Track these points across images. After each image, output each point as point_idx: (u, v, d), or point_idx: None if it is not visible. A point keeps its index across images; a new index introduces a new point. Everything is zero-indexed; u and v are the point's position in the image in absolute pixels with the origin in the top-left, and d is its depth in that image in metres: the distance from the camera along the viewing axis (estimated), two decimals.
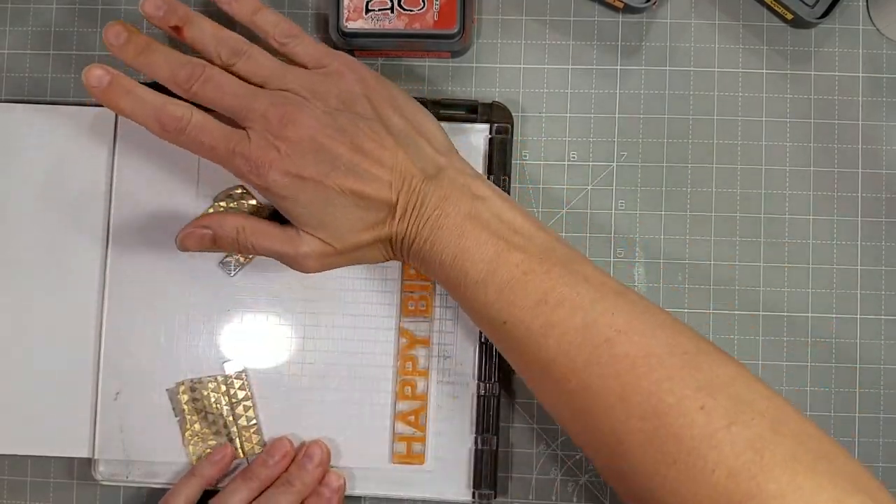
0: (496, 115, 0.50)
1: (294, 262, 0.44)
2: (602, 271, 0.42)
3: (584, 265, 0.42)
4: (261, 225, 0.44)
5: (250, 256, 0.49)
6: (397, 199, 0.42)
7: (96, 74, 0.42)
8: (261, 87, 0.43)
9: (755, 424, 0.36)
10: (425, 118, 0.45)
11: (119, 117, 0.50)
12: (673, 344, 0.39)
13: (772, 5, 0.50)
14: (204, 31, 0.43)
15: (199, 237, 0.44)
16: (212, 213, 0.46)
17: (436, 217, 0.42)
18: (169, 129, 0.42)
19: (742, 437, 0.36)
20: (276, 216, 0.45)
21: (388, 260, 0.46)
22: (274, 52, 0.44)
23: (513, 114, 0.50)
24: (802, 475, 0.35)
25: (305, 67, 0.44)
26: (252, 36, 0.44)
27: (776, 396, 0.39)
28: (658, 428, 0.37)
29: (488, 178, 0.49)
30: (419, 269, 0.45)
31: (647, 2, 0.49)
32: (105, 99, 0.42)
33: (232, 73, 0.43)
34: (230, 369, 0.49)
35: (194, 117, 0.42)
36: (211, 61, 0.43)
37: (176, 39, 0.44)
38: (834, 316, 0.50)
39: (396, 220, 0.43)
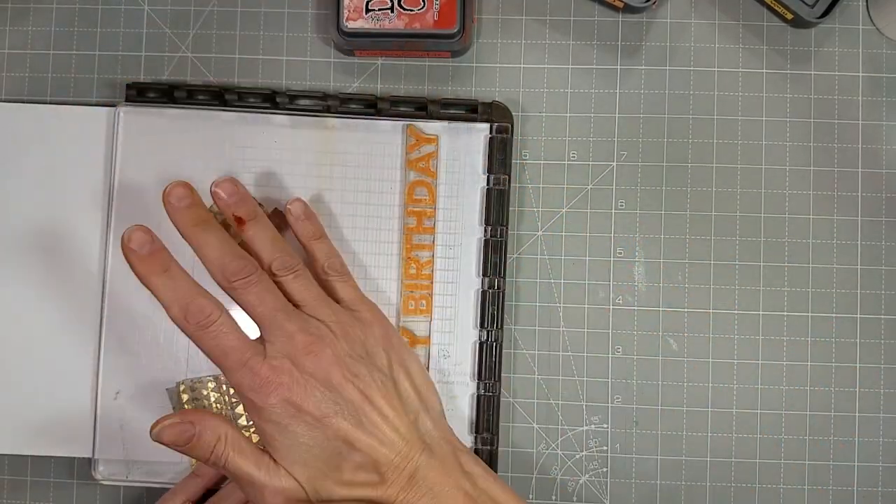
0: (496, 115, 0.50)
1: (258, 495, 0.41)
2: None
3: None
4: (242, 441, 0.41)
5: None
6: (390, 463, 0.41)
7: (139, 238, 0.41)
8: (296, 306, 0.43)
9: None
10: (430, 388, 0.46)
11: (120, 117, 0.50)
12: None
13: (772, 5, 0.50)
14: (265, 233, 0.44)
15: (179, 432, 0.41)
16: (196, 411, 0.42)
17: (431, 492, 0.41)
18: (191, 321, 0.41)
19: None
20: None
21: None
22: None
23: (513, 113, 0.50)
24: None
25: (341, 304, 0.45)
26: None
27: None
28: None
29: (488, 177, 0.50)
30: None
31: (646, 1, 0.49)
32: (140, 268, 0.41)
33: (275, 282, 0.43)
34: None
35: (222, 318, 0.41)
36: (260, 265, 0.43)
37: (232, 227, 0.44)
38: (834, 316, 0.50)
39: (387, 485, 0.41)
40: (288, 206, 0.46)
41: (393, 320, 0.49)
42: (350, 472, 0.41)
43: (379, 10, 0.49)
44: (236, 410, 0.49)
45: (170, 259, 0.41)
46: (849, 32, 0.51)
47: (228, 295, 0.42)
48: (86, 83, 0.51)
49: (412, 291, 0.49)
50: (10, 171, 0.50)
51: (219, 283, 0.42)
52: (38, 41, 0.52)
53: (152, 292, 0.41)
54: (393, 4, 0.49)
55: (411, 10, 0.48)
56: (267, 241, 0.44)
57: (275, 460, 0.41)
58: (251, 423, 0.48)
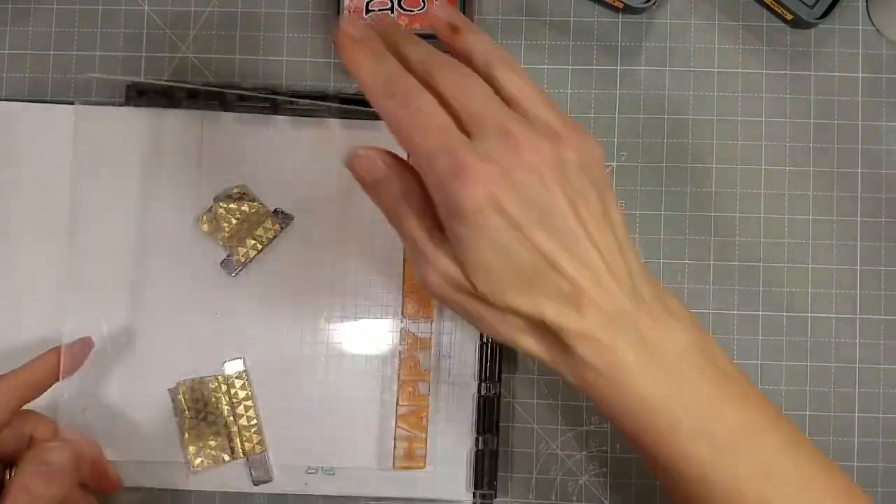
0: None
1: (420, 270, 0.37)
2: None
3: (799, 433, 0.38)
4: (427, 199, 0.36)
5: (251, 256, 0.49)
6: (592, 295, 0.35)
7: (358, 25, 0.36)
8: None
9: None
10: (631, 243, 0.38)
11: (121, 118, 0.50)
12: None
13: (771, 6, 0.50)
14: (479, 40, 0.37)
15: (368, 167, 0.37)
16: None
17: (645, 342, 0.35)
18: (396, 96, 0.35)
19: None
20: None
21: (534, 357, 0.37)
22: None
23: None
24: None
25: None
26: None
27: None
28: None
29: None
30: (591, 392, 0.36)
31: (646, 2, 0.49)
32: (349, 52, 0.36)
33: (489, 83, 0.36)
34: (231, 369, 0.49)
35: (426, 97, 0.35)
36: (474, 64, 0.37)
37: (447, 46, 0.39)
38: (834, 316, 0.50)
39: (583, 317, 0.35)
40: (433, 14, 0.38)
41: (394, 322, 0.49)
42: (544, 293, 0.35)
43: (379, 10, 0.49)
44: (237, 410, 0.49)
45: (381, 45, 0.36)
46: (848, 33, 0.51)
47: (428, 87, 0.35)
48: (86, 83, 0.51)
49: (414, 293, 0.49)
50: (10, 171, 0.50)
51: (419, 77, 0.35)
52: (38, 41, 0.52)
53: (358, 76, 0.36)
54: (393, 4, 0.49)
55: (411, 11, 0.49)
56: (480, 43, 0.37)
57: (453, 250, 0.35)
58: (253, 422, 0.49)
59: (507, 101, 0.36)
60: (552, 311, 0.35)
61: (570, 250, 0.35)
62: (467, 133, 0.35)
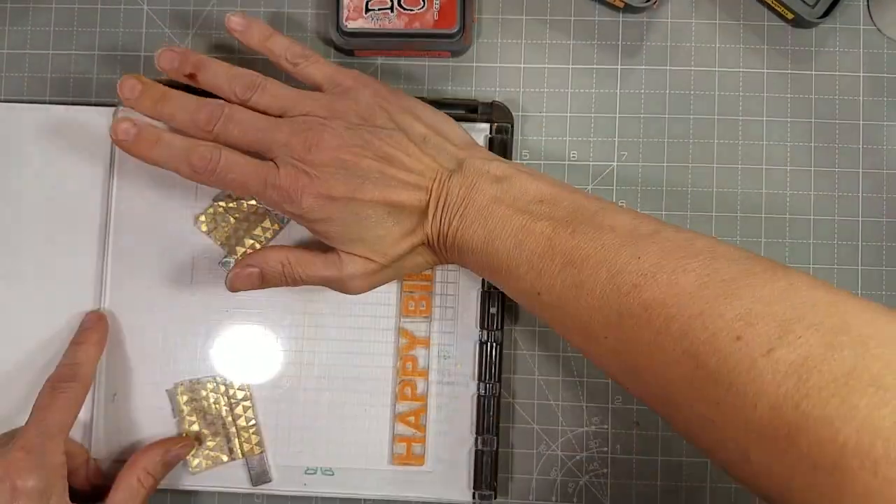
0: (496, 115, 0.50)
1: (342, 286, 0.44)
2: (635, 216, 0.40)
3: (614, 215, 0.40)
4: (304, 255, 0.44)
5: None
6: (428, 201, 0.43)
7: (123, 128, 0.43)
8: (280, 117, 0.44)
9: (802, 343, 0.32)
10: (443, 119, 0.46)
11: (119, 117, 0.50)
12: (707, 273, 0.36)
13: (772, 5, 0.50)
14: (217, 72, 0.44)
15: (247, 277, 0.44)
16: (255, 250, 0.47)
17: (462, 206, 0.42)
18: (200, 171, 0.43)
19: (785, 362, 0.32)
20: (316, 245, 0.45)
21: (432, 265, 0.46)
22: (289, 80, 0.45)
23: (513, 113, 0.50)
24: (859, 393, 0.31)
25: (321, 89, 0.45)
26: (268, 71, 0.45)
27: (840, 299, 0.34)
28: (695, 370, 0.35)
29: None
30: (462, 264, 0.45)
31: (647, 1, 0.49)
32: (134, 151, 0.43)
33: (250, 107, 0.44)
34: (229, 369, 0.49)
35: (223, 156, 0.43)
36: (228, 100, 0.44)
37: (194, 86, 0.45)
38: None
39: (429, 220, 0.43)
40: (228, 21, 0.46)
41: (393, 321, 0.49)
42: (399, 227, 0.43)
43: (379, 9, 0.49)
44: (235, 411, 0.49)
45: (156, 131, 0.43)
46: (850, 32, 0.51)
47: (216, 142, 0.43)
48: (85, 83, 0.51)
49: (412, 292, 0.49)
50: (10, 171, 0.50)
51: (204, 139, 0.43)
52: (37, 41, 0.52)
53: (158, 165, 0.43)
54: (393, 4, 0.48)
55: (411, 10, 0.48)
56: (221, 77, 0.44)
57: (338, 252, 0.44)
58: (252, 422, 0.48)
59: (277, 115, 0.44)
60: (418, 235, 0.44)
61: (391, 186, 0.42)
62: (269, 158, 0.43)
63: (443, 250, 0.44)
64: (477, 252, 0.42)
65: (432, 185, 0.43)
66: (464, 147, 0.45)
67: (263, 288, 0.45)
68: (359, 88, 0.44)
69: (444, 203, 0.43)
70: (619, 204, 0.50)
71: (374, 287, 0.45)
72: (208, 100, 0.44)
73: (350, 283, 0.44)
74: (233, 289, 0.44)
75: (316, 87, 0.45)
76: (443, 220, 0.43)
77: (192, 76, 0.44)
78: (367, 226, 0.43)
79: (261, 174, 0.42)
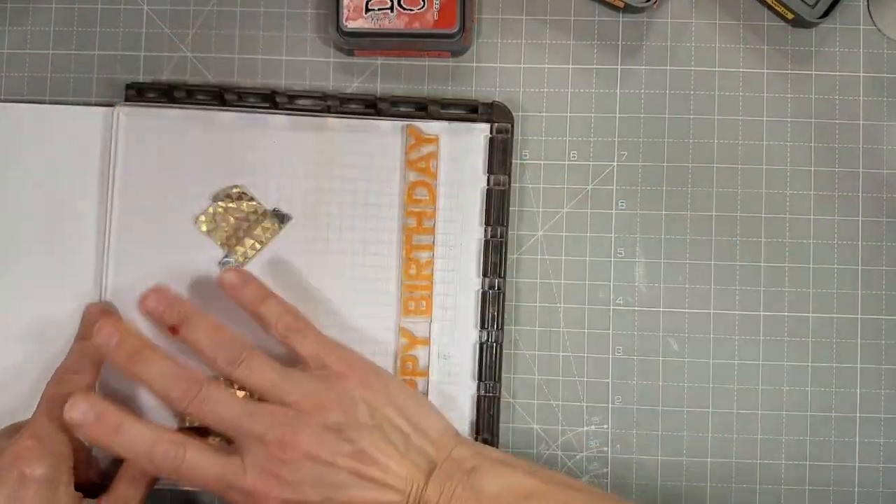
0: (496, 115, 0.50)
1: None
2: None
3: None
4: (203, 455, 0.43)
5: (250, 256, 0.49)
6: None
7: (81, 409, 0.41)
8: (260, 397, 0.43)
9: None
10: (423, 410, 0.46)
11: (121, 117, 0.50)
12: None
13: (772, 5, 0.50)
14: (200, 332, 0.43)
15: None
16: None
17: None
18: (161, 468, 0.41)
19: None
20: None
21: None
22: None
23: (513, 113, 0.50)
24: None
25: (306, 365, 0.44)
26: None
27: None
28: None
29: (488, 177, 0.49)
30: None
31: (647, 1, 0.49)
32: (91, 436, 0.41)
33: (227, 377, 0.43)
34: None
35: (188, 455, 0.41)
36: (209, 365, 0.43)
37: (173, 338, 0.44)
38: (834, 316, 0.50)
39: None
40: (221, 279, 0.45)
41: (393, 321, 0.49)
42: None
43: (379, 9, 0.49)
44: None
45: (117, 418, 0.41)
46: (850, 32, 0.51)
47: (187, 416, 0.43)
48: (85, 83, 0.51)
49: (412, 292, 0.49)
50: (10, 171, 0.50)
51: (174, 411, 0.43)
52: (37, 41, 0.52)
53: (117, 456, 0.42)
54: (393, 4, 0.48)
55: (411, 10, 0.48)
56: (205, 340, 0.43)
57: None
58: None
59: (256, 395, 0.43)
60: None
61: (366, 489, 0.41)
62: (242, 445, 0.41)
63: None
64: None
65: (410, 490, 0.42)
66: (439, 444, 0.44)
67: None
68: (346, 374, 0.44)
69: None
70: (619, 203, 0.50)
71: None
72: (186, 372, 0.42)
73: None
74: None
75: (303, 362, 0.45)
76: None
77: (173, 330, 0.43)
78: None
79: (225, 475, 0.41)
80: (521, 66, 0.51)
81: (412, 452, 0.43)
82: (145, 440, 0.41)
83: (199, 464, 0.41)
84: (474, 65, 0.51)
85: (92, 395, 0.42)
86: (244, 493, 0.41)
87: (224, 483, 0.41)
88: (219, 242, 0.49)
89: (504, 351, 0.49)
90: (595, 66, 0.51)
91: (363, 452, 0.41)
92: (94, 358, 0.46)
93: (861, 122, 0.51)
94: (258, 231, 0.49)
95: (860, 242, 0.50)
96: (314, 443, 0.41)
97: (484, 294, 0.49)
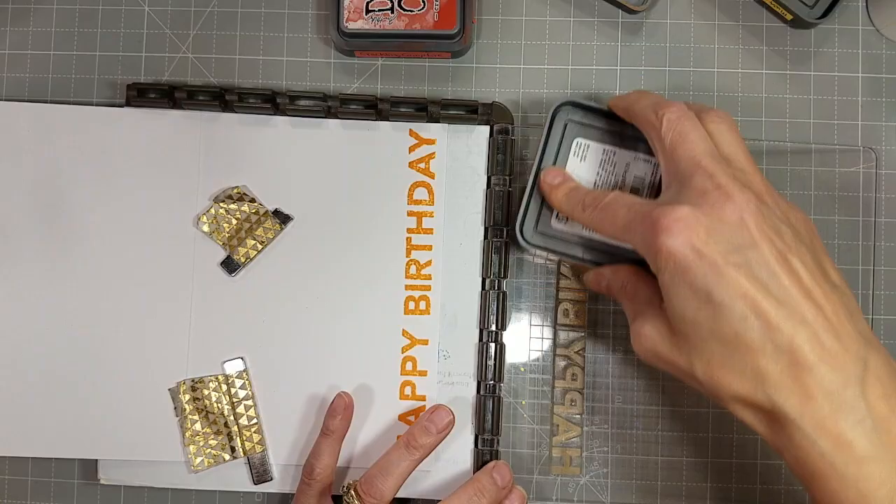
0: (496, 116, 0.50)
1: (632, 332, 0.40)
2: None
3: None
4: (639, 283, 0.41)
5: (252, 257, 0.49)
6: (816, 361, 0.32)
7: (553, 174, 0.45)
8: None
9: None
10: (850, 293, 0.37)
11: (122, 118, 0.50)
12: None
13: (771, 6, 0.50)
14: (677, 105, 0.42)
15: (596, 282, 0.45)
16: (613, 267, 0.44)
17: (878, 429, 0.32)
18: (587, 207, 0.41)
19: None
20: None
21: (761, 433, 0.35)
22: None
23: (513, 114, 0.50)
24: None
25: None
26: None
27: None
28: None
29: (489, 177, 0.50)
30: (813, 481, 0.33)
31: (644, 3, 0.49)
32: (550, 196, 0.44)
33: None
34: (231, 368, 0.49)
35: (608, 195, 0.41)
36: None
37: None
38: None
39: (807, 390, 0.32)
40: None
41: (393, 320, 0.49)
42: (754, 364, 0.33)
43: (379, 10, 0.49)
44: (237, 410, 0.49)
45: (566, 179, 0.45)
46: (848, 33, 0.51)
47: (654, 142, 0.40)
48: (86, 84, 0.51)
49: (412, 292, 0.49)
50: (10, 171, 0.50)
51: (648, 126, 0.41)
52: (38, 41, 0.52)
53: (558, 209, 0.44)
54: (393, 5, 0.49)
55: (411, 11, 0.49)
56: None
57: (661, 309, 0.37)
58: (253, 421, 0.49)
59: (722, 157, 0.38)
60: (767, 389, 0.33)
61: (782, 302, 0.33)
62: (679, 183, 0.37)
63: (789, 437, 0.33)
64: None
65: (833, 349, 0.33)
66: (867, 337, 0.35)
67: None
68: (795, 208, 0.39)
69: (846, 392, 0.32)
70: None
71: (656, 367, 0.39)
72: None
73: (635, 340, 0.39)
74: (588, 285, 0.46)
75: None
76: (834, 408, 0.32)
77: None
78: (711, 313, 0.34)
79: (637, 207, 0.38)
80: (521, 66, 0.51)
81: (845, 311, 0.34)
82: (580, 191, 0.43)
83: (617, 201, 0.40)
84: (474, 65, 0.51)
85: (563, 171, 0.45)
86: (652, 225, 0.36)
87: (637, 214, 0.38)
88: (220, 243, 0.49)
89: (504, 351, 0.49)
90: (594, 67, 0.51)
91: (791, 260, 0.34)
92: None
93: (860, 123, 0.51)
94: (259, 231, 0.49)
95: (860, 242, 0.50)
96: (753, 211, 0.35)
97: (484, 294, 0.49)
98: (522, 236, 0.46)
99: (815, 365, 0.32)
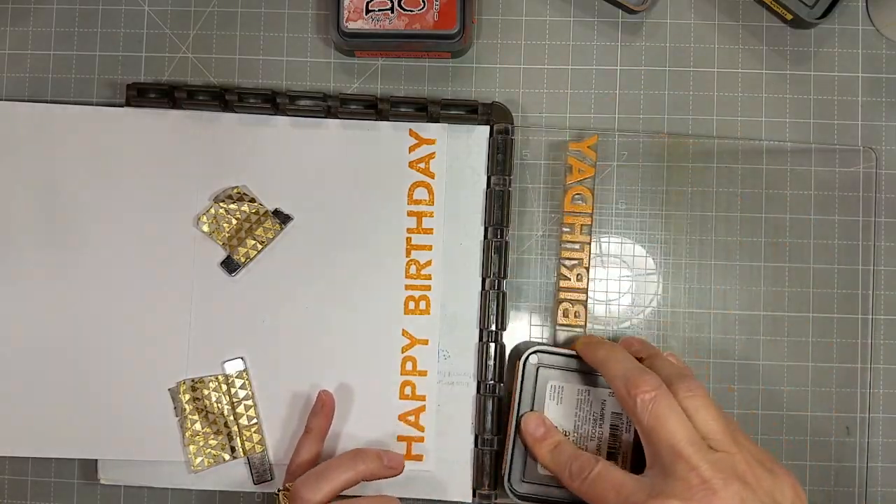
0: (496, 116, 0.50)
1: None
2: None
3: None
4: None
5: (251, 257, 0.49)
6: None
7: (534, 423, 0.45)
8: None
9: None
10: None
11: (123, 118, 0.50)
12: None
13: (771, 6, 0.50)
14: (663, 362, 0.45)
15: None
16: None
17: None
18: (575, 478, 0.42)
19: None
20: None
21: None
22: None
23: (513, 114, 0.50)
24: None
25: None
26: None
27: None
28: None
29: (488, 177, 0.50)
30: None
31: (643, 3, 0.49)
32: (534, 450, 0.45)
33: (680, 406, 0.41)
34: (231, 368, 0.49)
35: (600, 466, 0.42)
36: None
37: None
38: (835, 316, 0.50)
39: None
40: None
41: (394, 320, 0.49)
42: None
43: (379, 10, 0.49)
44: (237, 410, 0.49)
45: (556, 437, 0.45)
46: (848, 33, 0.51)
47: (629, 414, 0.42)
48: (86, 84, 0.51)
49: (412, 291, 0.49)
50: (10, 171, 0.50)
51: (621, 400, 0.42)
52: (38, 41, 0.52)
53: (545, 465, 0.45)
54: (393, 5, 0.49)
55: (411, 11, 0.49)
56: (666, 364, 0.44)
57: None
58: (253, 421, 0.49)
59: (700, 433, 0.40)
60: None
61: None
62: (661, 467, 0.39)
63: None
64: None
65: None
66: None
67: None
68: (785, 480, 0.40)
69: None
70: (619, 203, 0.50)
71: None
72: (647, 369, 0.42)
73: None
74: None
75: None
76: None
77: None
78: None
79: (633, 495, 0.40)
80: (521, 66, 0.51)
81: None
82: (570, 452, 0.44)
83: (608, 476, 0.41)
84: (474, 65, 0.51)
85: (542, 417, 0.46)
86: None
87: (622, 497, 0.40)
88: (220, 243, 0.49)
89: (504, 351, 0.49)
90: (594, 67, 0.51)
91: None
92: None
93: (860, 123, 0.51)
94: (259, 231, 0.49)
95: (860, 242, 0.50)
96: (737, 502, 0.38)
97: (484, 294, 0.49)
98: (513, 490, 0.46)
99: None
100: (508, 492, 0.46)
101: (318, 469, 0.44)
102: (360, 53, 0.51)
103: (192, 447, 0.48)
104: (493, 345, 0.49)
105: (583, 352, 0.46)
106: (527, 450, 0.46)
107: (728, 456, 0.39)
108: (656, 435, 0.40)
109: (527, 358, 0.47)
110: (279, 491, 0.45)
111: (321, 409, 0.48)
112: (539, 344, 0.48)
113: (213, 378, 0.49)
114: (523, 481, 0.46)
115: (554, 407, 0.47)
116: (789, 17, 0.50)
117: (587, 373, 0.47)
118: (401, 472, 0.46)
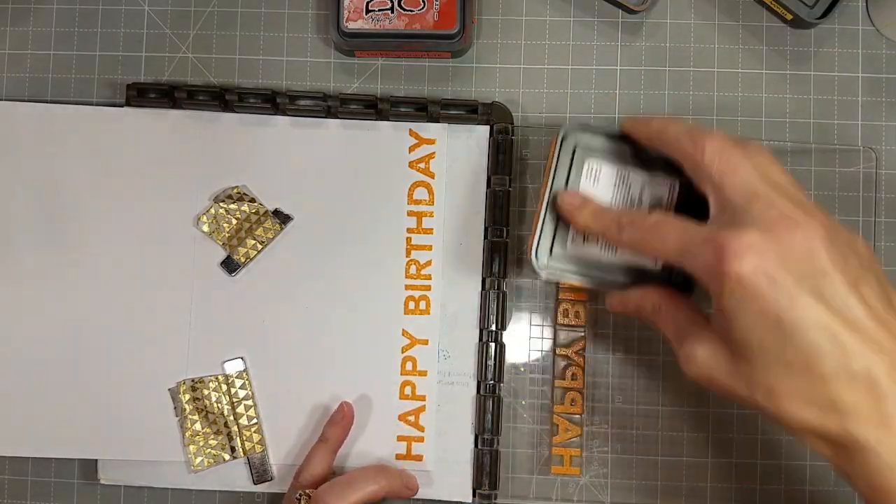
0: (496, 116, 0.50)
1: (681, 361, 0.38)
2: None
3: None
4: (677, 304, 0.40)
5: (252, 257, 0.49)
6: (893, 388, 0.33)
7: (572, 195, 0.43)
8: None
9: None
10: None
11: (123, 118, 0.50)
12: None
13: (771, 6, 0.50)
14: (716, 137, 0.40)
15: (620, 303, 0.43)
16: (640, 289, 0.43)
17: None
18: (625, 228, 0.40)
19: None
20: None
21: (827, 458, 0.35)
22: None
23: (513, 114, 0.50)
24: None
25: None
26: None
27: None
28: None
29: (489, 177, 0.50)
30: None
31: (643, 3, 0.49)
32: (575, 219, 0.42)
33: None
34: (231, 368, 0.49)
35: (651, 217, 0.39)
36: None
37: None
38: None
39: (884, 416, 0.33)
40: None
41: (394, 320, 0.49)
42: (825, 390, 0.33)
43: (379, 10, 0.49)
44: (237, 410, 0.49)
45: (590, 204, 0.42)
46: (848, 33, 0.51)
47: (694, 170, 0.39)
48: (86, 84, 0.51)
49: (412, 292, 0.49)
50: (10, 171, 0.50)
51: (686, 156, 0.39)
52: (38, 41, 0.52)
53: (587, 231, 0.43)
54: (393, 5, 0.49)
55: (411, 11, 0.49)
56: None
57: (718, 337, 0.36)
58: (253, 421, 0.49)
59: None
60: (841, 418, 0.33)
61: (857, 330, 0.33)
62: (733, 211, 0.36)
63: (863, 463, 0.33)
64: None
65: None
66: None
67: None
68: (853, 235, 0.37)
69: None
70: None
71: (709, 389, 0.38)
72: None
73: (683, 366, 0.38)
74: (611, 308, 0.44)
75: None
76: None
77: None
78: (780, 339, 0.34)
79: (692, 231, 0.37)
80: (521, 66, 0.51)
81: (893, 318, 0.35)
82: (611, 213, 0.42)
83: (668, 219, 0.38)
84: (474, 65, 0.51)
85: (579, 193, 0.43)
86: (720, 249, 0.35)
87: (701, 238, 0.36)
88: (220, 243, 0.49)
89: (504, 351, 0.49)
90: (594, 67, 0.51)
91: (858, 282, 0.34)
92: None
93: (860, 123, 0.51)
94: (259, 231, 0.49)
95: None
96: (823, 241, 0.34)
97: (484, 294, 0.49)
98: (538, 260, 0.44)
99: (895, 394, 0.32)
100: (534, 262, 0.44)
101: (345, 478, 0.44)
102: (360, 53, 0.51)
103: (192, 447, 0.48)
104: (493, 345, 0.49)
105: (633, 128, 0.42)
106: (556, 227, 0.44)
107: (804, 203, 0.36)
108: (729, 179, 0.37)
109: (564, 135, 0.44)
110: (300, 495, 0.44)
111: (340, 420, 0.47)
112: (581, 120, 0.45)
113: (213, 378, 0.49)
114: (551, 256, 0.44)
115: (590, 186, 0.44)
116: (789, 17, 0.50)
117: (628, 154, 0.44)
118: (415, 494, 0.47)
